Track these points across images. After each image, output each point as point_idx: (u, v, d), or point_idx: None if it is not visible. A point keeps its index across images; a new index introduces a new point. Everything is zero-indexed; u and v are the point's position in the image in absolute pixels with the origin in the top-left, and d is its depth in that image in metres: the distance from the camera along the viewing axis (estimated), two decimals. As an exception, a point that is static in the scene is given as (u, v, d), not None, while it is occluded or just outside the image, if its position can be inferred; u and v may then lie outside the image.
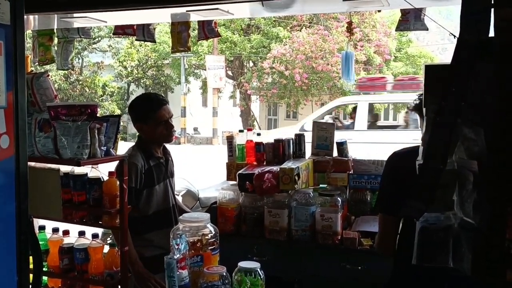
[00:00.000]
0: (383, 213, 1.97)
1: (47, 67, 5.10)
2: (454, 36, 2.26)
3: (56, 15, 3.50)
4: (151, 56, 20.56)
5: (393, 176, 1.94)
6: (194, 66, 20.30)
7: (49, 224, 2.43)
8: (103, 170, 2.36)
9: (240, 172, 2.70)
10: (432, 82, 1.31)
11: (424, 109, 1.30)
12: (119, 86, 21.91)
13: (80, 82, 20.25)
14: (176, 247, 2.00)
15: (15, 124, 1.49)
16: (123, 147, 2.39)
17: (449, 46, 18.91)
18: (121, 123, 2.42)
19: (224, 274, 2.09)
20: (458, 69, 1.16)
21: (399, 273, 1.97)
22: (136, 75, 20.92)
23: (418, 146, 1.93)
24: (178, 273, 1.97)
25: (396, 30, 3.28)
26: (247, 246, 2.59)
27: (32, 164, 2.16)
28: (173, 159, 2.87)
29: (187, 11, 3.17)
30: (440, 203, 1.27)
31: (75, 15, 3.40)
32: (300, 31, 17.33)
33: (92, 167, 2.29)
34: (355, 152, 2.95)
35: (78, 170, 2.31)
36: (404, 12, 3.11)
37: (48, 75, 2.27)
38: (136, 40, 3.96)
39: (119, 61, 20.97)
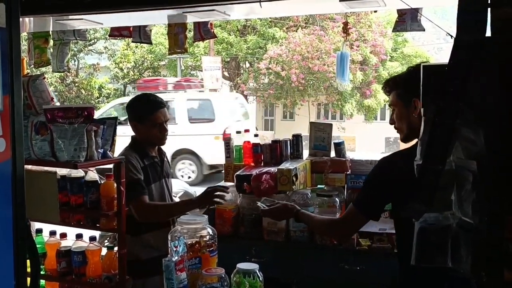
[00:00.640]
0: (356, 208, 1.98)
1: (43, 69, 5.07)
2: (451, 36, 2.27)
3: (51, 17, 3.49)
4: (147, 57, 20.51)
5: (378, 181, 1.95)
6: (190, 67, 20.27)
7: (46, 227, 2.41)
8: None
9: (237, 173, 2.69)
10: (429, 82, 1.31)
11: (422, 110, 1.30)
12: (115, 88, 21.85)
13: (76, 84, 20.17)
14: (175, 249, 1.99)
15: (11, 128, 1.48)
16: (117, 148, 2.41)
17: (444, 46, 18.94)
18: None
19: (223, 276, 2.09)
20: (456, 69, 1.16)
21: (405, 275, 1.97)
22: (133, 77, 20.87)
23: (409, 151, 1.94)
24: (176, 275, 1.96)
25: (393, 31, 3.28)
26: (246, 247, 2.58)
27: (28, 167, 2.15)
28: (169, 161, 2.87)
29: (183, 12, 3.16)
30: (439, 204, 1.26)
31: (70, 17, 3.39)
32: (296, 31, 17.34)
33: (89, 170, 2.29)
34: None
35: (75, 173, 2.31)
36: (401, 13, 3.12)
37: (44, 78, 2.26)
38: (132, 41, 3.95)
39: (115, 63, 20.91)
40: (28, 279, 1.64)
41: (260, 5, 2.71)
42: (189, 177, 10.88)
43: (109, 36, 4.08)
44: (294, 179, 2.50)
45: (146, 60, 20.83)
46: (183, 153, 10.87)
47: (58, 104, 2.26)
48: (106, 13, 3.17)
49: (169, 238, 2.22)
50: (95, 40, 20.46)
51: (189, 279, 2.05)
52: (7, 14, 1.44)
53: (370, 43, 16.77)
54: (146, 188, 2.54)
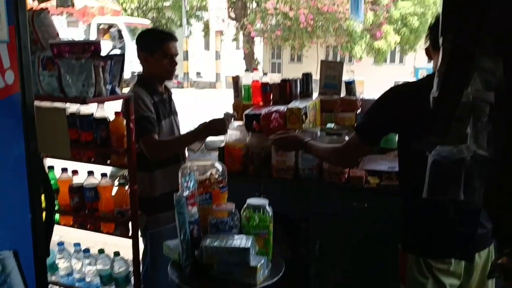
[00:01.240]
0: (356, 133, 2.00)
1: (47, 4, 4.95)
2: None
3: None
4: (151, -2, 20.03)
5: (382, 108, 1.93)
6: (195, 7, 19.76)
7: (58, 164, 2.44)
8: (108, 110, 2.34)
9: (246, 112, 2.67)
10: (448, 10, 1.25)
11: (440, 39, 1.25)
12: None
13: (80, 24, 19.82)
14: (185, 184, 2.01)
15: (18, 60, 1.45)
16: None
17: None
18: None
19: (233, 211, 2.13)
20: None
21: (410, 210, 1.99)
22: (136, 17, 20.44)
23: (420, 82, 1.90)
24: (188, 209, 1.99)
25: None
26: (255, 185, 2.60)
27: (37, 103, 2.14)
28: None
29: None
30: (453, 137, 1.25)
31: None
32: (306, -31, 16.71)
33: (98, 106, 2.27)
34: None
35: (84, 110, 2.30)
36: None
37: (49, 12, 2.20)
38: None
39: (119, 3, 20.41)
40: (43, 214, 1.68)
41: None
42: None
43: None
44: (304, 117, 2.48)
45: (150, 0, 20.30)
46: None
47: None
48: None
49: (180, 174, 2.25)
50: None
51: (200, 214, 2.09)
52: None
53: (382, -18, 16.18)
54: (157, 125, 2.53)
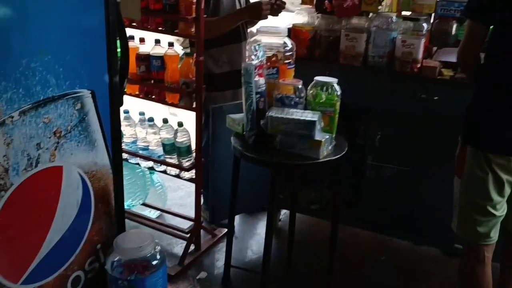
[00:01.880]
0: (472, 19, 1.80)
1: None
2: None
3: None
4: None
5: None
6: None
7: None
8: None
9: (318, -10, 2.53)
10: None
11: None
12: None
13: None
14: (255, 52, 1.96)
15: None
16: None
17: None
18: None
19: (300, 87, 2.08)
20: None
21: (480, 101, 1.88)
22: None
23: None
24: (256, 79, 1.96)
25: None
26: (320, 70, 2.49)
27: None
28: None
29: None
30: None
31: None
32: None
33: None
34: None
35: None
36: None
37: None
38: None
39: None
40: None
41: None
42: None
43: None
44: (381, -1, 2.32)
45: None
46: None
47: None
48: None
49: (247, 47, 2.20)
50: None
51: (266, 87, 2.06)
52: None
53: None
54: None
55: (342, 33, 2.48)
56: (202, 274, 2.52)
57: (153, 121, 2.50)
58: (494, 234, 1.90)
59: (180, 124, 2.40)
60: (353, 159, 2.52)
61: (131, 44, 2.43)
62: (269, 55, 2.13)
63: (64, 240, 1.53)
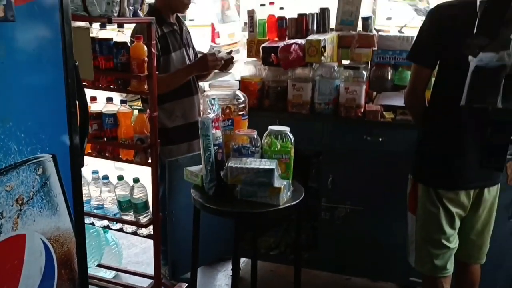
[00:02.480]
0: (417, 63, 1.96)
1: None
2: None
3: None
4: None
5: (434, 29, 1.88)
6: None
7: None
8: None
9: (264, 45, 2.66)
10: None
11: None
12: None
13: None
14: (211, 106, 2.02)
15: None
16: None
17: None
18: None
19: (255, 136, 2.15)
20: None
21: (429, 133, 2.03)
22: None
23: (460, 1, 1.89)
24: (213, 132, 2.01)
25: None
26: (270, 119, 2.61)
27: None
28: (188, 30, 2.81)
29: None
30: (496, 43, 1.27)
31: None
32: None
33: (119, 31, 2.25)
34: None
35: (103, 35, 2.27)
36: None
37: None
38: None
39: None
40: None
41: None
42: None
43: None
44: (323, 50, 2.48)
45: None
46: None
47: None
48: None
49: (202, 101, 2.26)
50: None
51: (223, 139, 2.11)
52: None
53: None
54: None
55: (289, 83, 2.61)
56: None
57: (107, 179, 2.46)
58: (450, 266, 2.02)
59: (136, 180, 2.38)
60: (308, 203, 2.60)
61: (82, 103, 2.43)
62: (223, 107, 2.20)
63: (26, 311, 1.46)
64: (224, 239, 2.72)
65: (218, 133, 2.06)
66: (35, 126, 1.41)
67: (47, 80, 1.46)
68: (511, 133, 1.90)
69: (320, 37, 2.52)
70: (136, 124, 2.35)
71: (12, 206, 1.35)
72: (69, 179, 1.57)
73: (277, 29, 2.80)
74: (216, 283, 2.94)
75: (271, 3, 2.84)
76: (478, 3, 1.27)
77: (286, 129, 2.16)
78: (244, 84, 2.69)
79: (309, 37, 2.54)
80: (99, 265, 2.79)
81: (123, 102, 2.35)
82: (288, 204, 2.01)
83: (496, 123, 1.69)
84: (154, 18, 2.23)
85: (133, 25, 2.51)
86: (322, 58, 2.49)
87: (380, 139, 2.51)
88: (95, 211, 2.51)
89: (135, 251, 3.23)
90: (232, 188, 2.02)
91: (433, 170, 2.01)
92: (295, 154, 2.18)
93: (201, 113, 2.23)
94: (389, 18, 9.80)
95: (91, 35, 2.25)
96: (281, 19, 2.78)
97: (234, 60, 2.68)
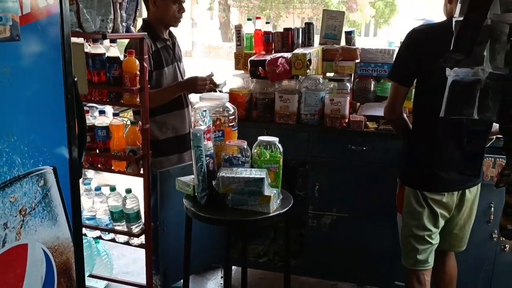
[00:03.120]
0: (396, 82, 2.14)
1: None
2: None
3: None
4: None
5: (412, 49, 2.06)
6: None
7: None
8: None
9: (251, 58, 2.75)
10: None
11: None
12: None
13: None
14: (202, 118, 2.10)
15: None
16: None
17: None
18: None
19: (245, 147, 2.23)
20: None
21: (414, 141, 2.18)
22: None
23: (438, 24, 2.05)
24: (205, 143, 2.08)
25: None
26: (259, 130, 2.70)
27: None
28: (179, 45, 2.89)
29: None
30: (471, 59, 1.38)
31: None
32: None
33: (111, 46, 2.31)
34: None
35: (95, 50, 2.33)
36: None
37: None
38: None
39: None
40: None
41: None
42: None
43: None
44: (308, 63, 2.58)
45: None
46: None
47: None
48: None
49: (193, 113, 2.33)
50: None
51: (214, 149, 2.19)
52: None
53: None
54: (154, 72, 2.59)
55: (276, 95, 2.70)
56: None
57: (100, 190, 2.51)
58: (431, 260, 2.20)
59: (128, 191, 2.44)
60: (295, 211, 2.68)
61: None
62: (213, 118, 2.28)
63: (27, 319, 1.50)
64: (213, 248, 2.79)
65: (210, 144, 2.13)
66: (38, 140, 1.46)
67: (48, 95, 1.52)
68: (485, 142, 2.06)
69: (306, 50, 2.62)
70: (128, 136, 2.40)
71: (15, 216, 1.41)
72: (68, 190, 1.63)
73: (264, 43, 2.90)
74: (207, 291, 2.99)
75: (258, 18, 2.94)
76: (453, 23, 1.38)
77: (275, 139, 2.24)
78: (232, 96, 2.77)
79: (295, 51, 2.63)
80: (91, 275, 2.82)
81: (115, 114, 2.41)
82: (278, 212, 2.09)
83: (471, 132, 1.82)
84: (146, 33, 2.31)
85: (126, 40, 2.58)
86: (308, 71, 2.59)
87: (364, 148, 2.61)
88: (87, 221, 2.55)
89: (125, 262, 3.26)
90: (224, 197, 2.09)
91: (419, 175, 2.17)
92: (282, 163, 2.27)
93: (193, 125, 2.30)
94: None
95: (86, 50, 2.32)
96: (268, 33, 2.88)
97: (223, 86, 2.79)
